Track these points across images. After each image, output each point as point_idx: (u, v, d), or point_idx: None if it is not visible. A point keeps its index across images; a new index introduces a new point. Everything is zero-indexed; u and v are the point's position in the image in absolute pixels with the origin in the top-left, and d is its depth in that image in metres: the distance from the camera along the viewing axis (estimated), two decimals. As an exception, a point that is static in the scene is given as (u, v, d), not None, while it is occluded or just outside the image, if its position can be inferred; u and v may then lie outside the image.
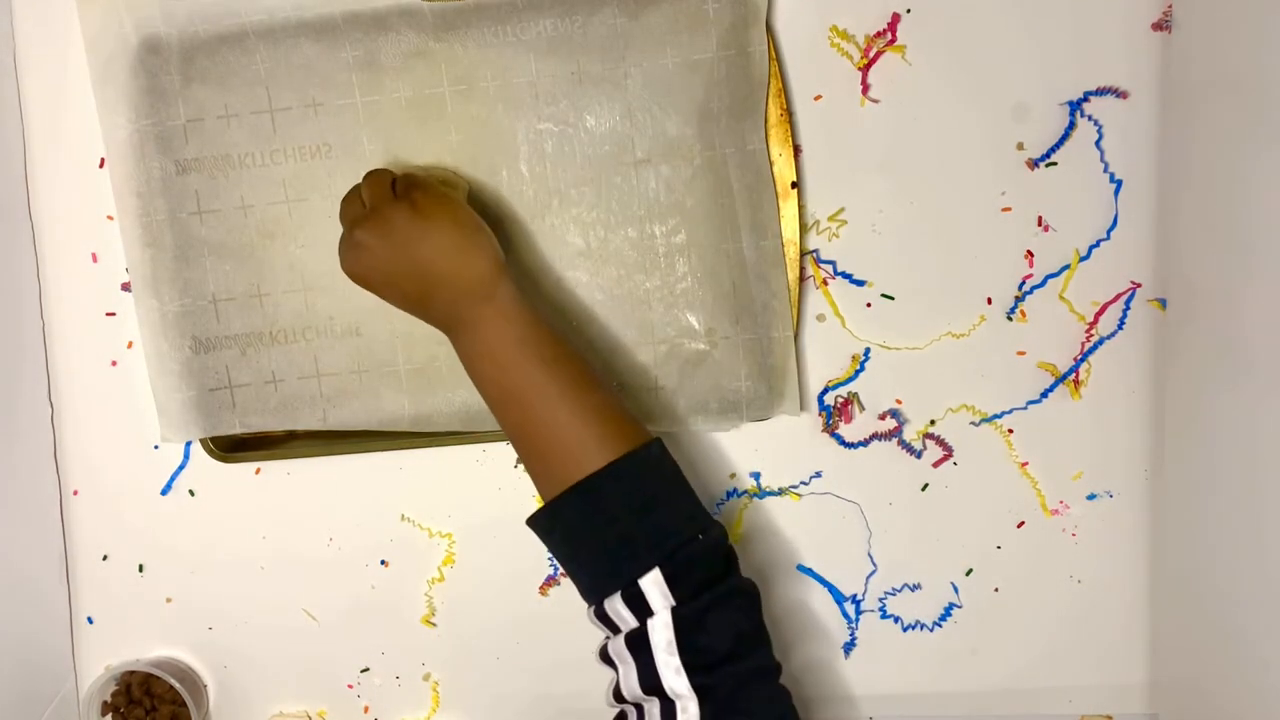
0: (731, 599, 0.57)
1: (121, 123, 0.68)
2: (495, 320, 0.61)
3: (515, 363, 0.60)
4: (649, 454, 0.60)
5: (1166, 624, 0.71)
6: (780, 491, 0.73)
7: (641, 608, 0.57)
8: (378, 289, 0.62)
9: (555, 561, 0.74)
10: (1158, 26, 0.67)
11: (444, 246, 0.61)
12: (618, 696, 0.58)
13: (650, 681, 0.56)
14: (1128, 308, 0.70)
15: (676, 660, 0.55)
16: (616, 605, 0.57)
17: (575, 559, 0.61)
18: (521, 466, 0.73)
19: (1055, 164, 0.69)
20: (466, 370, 0.62)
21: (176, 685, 0.73)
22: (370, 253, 0.61)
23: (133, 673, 0.75)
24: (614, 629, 0.58)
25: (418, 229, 0.60)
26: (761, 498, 0.73)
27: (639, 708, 0.57)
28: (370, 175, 0.64)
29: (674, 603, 0.56)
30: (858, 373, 0.71)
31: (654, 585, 0.56)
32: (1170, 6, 0.67)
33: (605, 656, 0.59)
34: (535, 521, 0.61)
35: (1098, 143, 0.68)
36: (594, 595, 0.59)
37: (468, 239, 0.62)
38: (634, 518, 0.58)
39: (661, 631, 0.56)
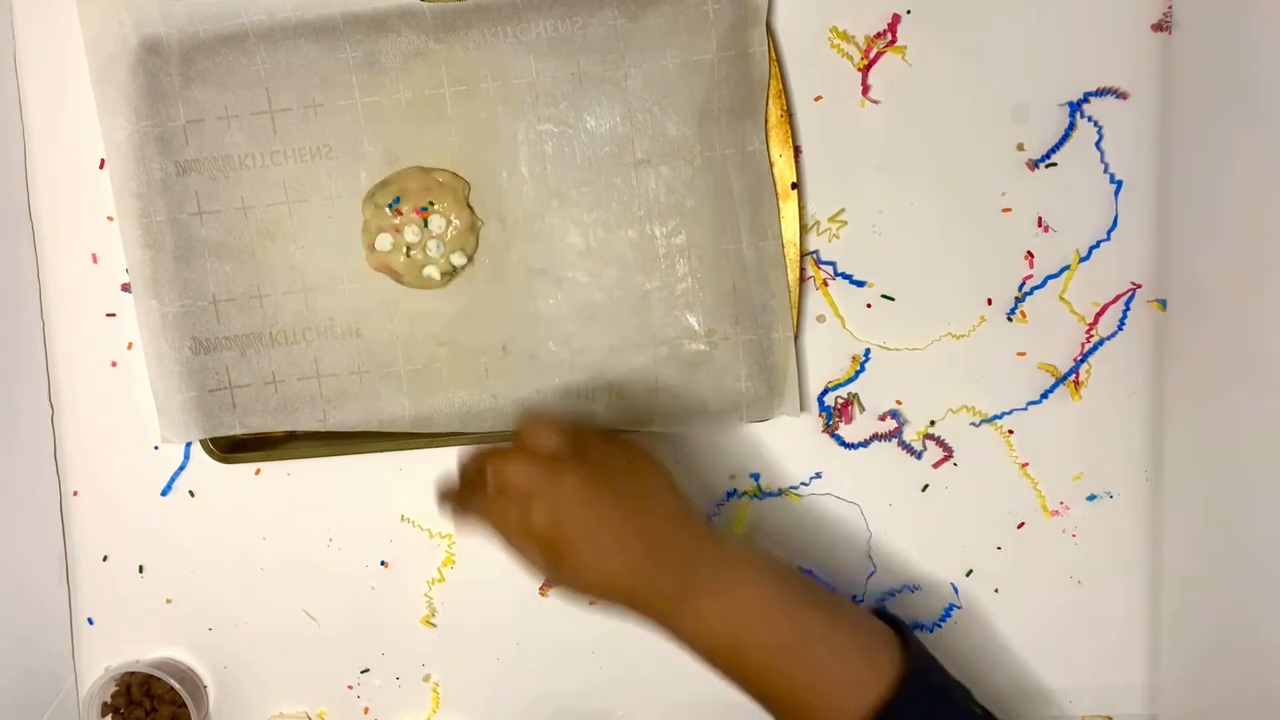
0: None
1: (121, 123, 0.68)
2: (743, 577, 0.52)
3: (776, 612, 0.53)
4: (920, 661, 0.55)
5: (1166, 624, 0.71)
6: (780, 492, 0.73)
7: None
8: (583, 551, 0.51)
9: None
10: (1158, 27, 0.67)
11: (666, 489, 0.53)
12: None
13: None
14: (1128, 308, 0.70)
15: None
16: None
17: None
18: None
19: (1055, 164, 0.69)
20: (710, 649, 0.53)
21: (176, 686, 0.73)
22: (588, 499, 0.51)
23: (133, 673, 0.75)
24: None
25: (638, 471, 0.53)
26: (761, 498, 0.73)
27: None
28: (538, 420, 0.55)
29: None
30: (858, 373, 0.71)
31: None
32: (1170, 6, 0.67)
33: None
34: None
35: (1098, 143, 0.68)
36: None
37: (678, 486, 0.53)
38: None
39: None
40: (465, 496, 0.56)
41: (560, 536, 0.52)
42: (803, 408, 0.71)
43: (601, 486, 0.51)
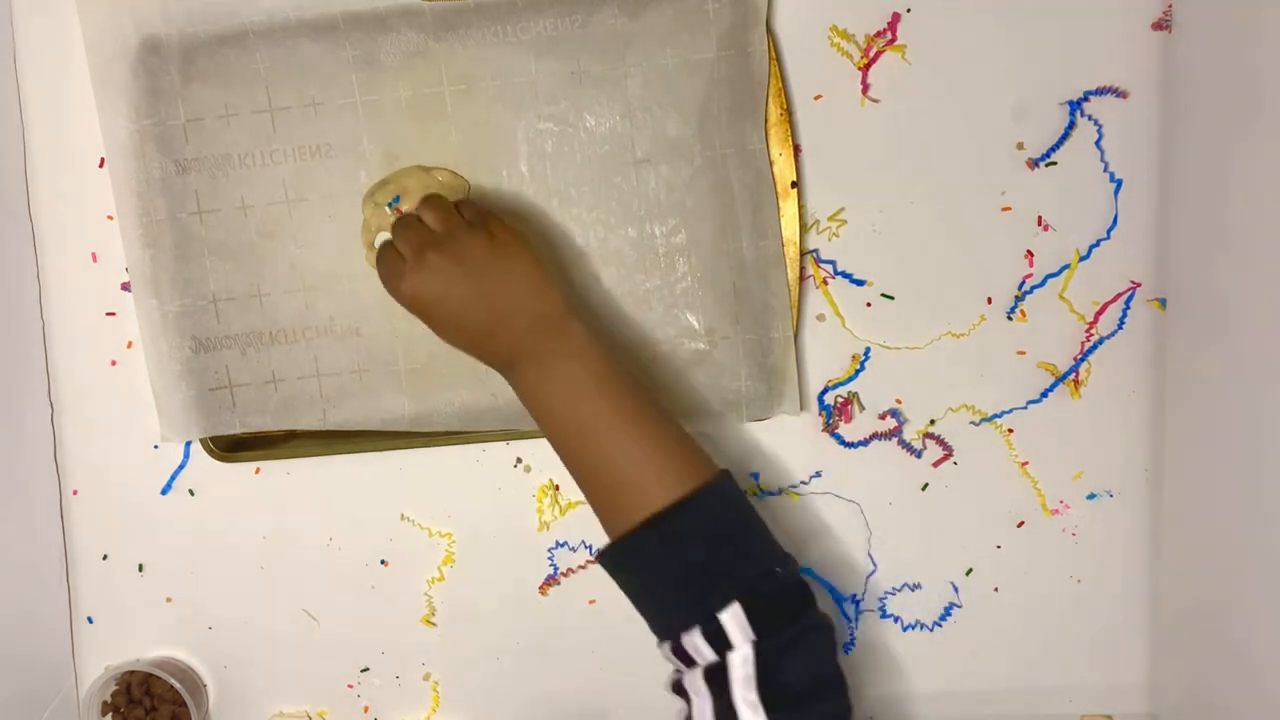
0: (810, 635, 0.57)
1: (121, 123, 0.68)
2: (568, 355, 0.60)
3: (589, 397, 0.59)
4: (723, 487, 0.59)
5: (1166, 624, 0.71)
6: (780, 491, 0.73)
7: (721, 642, 0.55)
8: (440, 314, 0.61)
9: (555, 559, 0.74)
10: (1158, 26, 0.67)
11: (520, 277, 0.61)
12: None
13: (726, 715, 0.55)
14: (1128, 308, 0.70)
15: (754, 695, 0.54)
16: (695, 640, 0.56)
17: (650, 595, 0.59)
18: (522, 466, 0.73)
19: (1055, 164, 0.69)
20: (530, 406, 0.61)
21: (176, 685, 0.73)
22: (443, 276, 0.60)
23: (133, 673, 0.75)
24: (689, 663, 0.57)
25: (495, 258, 0.60)
26: (761, 498, 0.73)
27: None
28: (432, 199, 0.63)
29: (754, 638, 0.55)
30: (858, 372, 0.71)
31: (734, 620, 0.55)
32: (1170, 6, 0.67)
33: (678, 688, 0.58)
34: (607, 558, 0.60)
35: (1098, 142, 0.68)
36: (668, 630, 0.58)
37: (543, 272, 0.61)
38: (712, 552, 0.57)
39: (740, 667, 0.55)
40: (381, 251, 0.65)
41: (420, 306, 0.61)
42: (802, 407, 0.71)
43: (455, 265, 0.60)
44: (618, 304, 0.69)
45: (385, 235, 0.68)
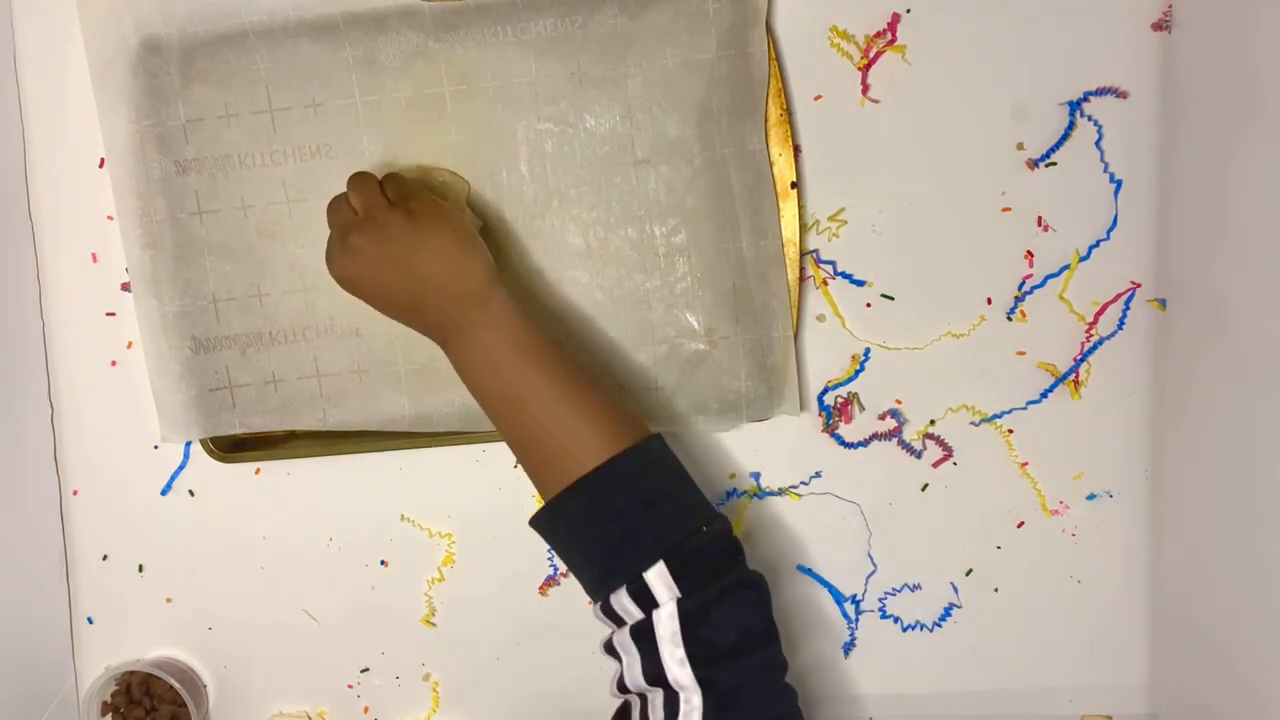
0: (738, 592, 0.57)
1: (121, 123, 0.68)
2: (490, 326, 0.61)
3: (512, 366, 0.60)
4: (649, 448, 0.60)
5: (1166, 624, 0.71)
6: (780, 491, 0.73)
7: (647, 601, 0.57)
8: (368, 294, 0.63)
9: (555, 559, 0.74)
10: (1158, 26, 0.67)
11: (439, 253, 0.61)
12: (621, 688, 0.58)
13: (654, 672, 0.56)
14: (1128, 308, 0.70)
15: (681, 652, 0.55)
16: (622, 599, 0.57)
17: (579, 556, 0.61)
18: (522, 468, 0.73)
19: (1055, 164, 0.69)
20: (461, 376, 0.62)
21: (176, 685, 0.73)
22: (364, 258, 0.61)
23: (132, 673, 0.75)
24: (619, 623, 0.58)
25: (413, 235, 0.61)
26: (761, 498, 0.73)
27: (642, 698, 0.57)
28: (357, 179, 0.64)
29: (679, 595, 0.56)
30: (858, 373, 0.71)
31: (659, 578, 0.56)
32: (1170, 6, 0.67)
33: (610, 648, 0.59)
34: (538, 521, 0.61)
35: (1098, 143, 0.68)
36: (599, 591, 0.59)
37: (462, 246, 0.62)
38: (637, 512, 0.58)
39: (666, 623, 0.56)
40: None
41: (349, 286, 0.63)
42: (802, 407, 0.71)
43: (373, 245, 0.61)
44: (618, 304, 0.69)
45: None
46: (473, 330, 0.61)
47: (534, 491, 0.73)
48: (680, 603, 0.56)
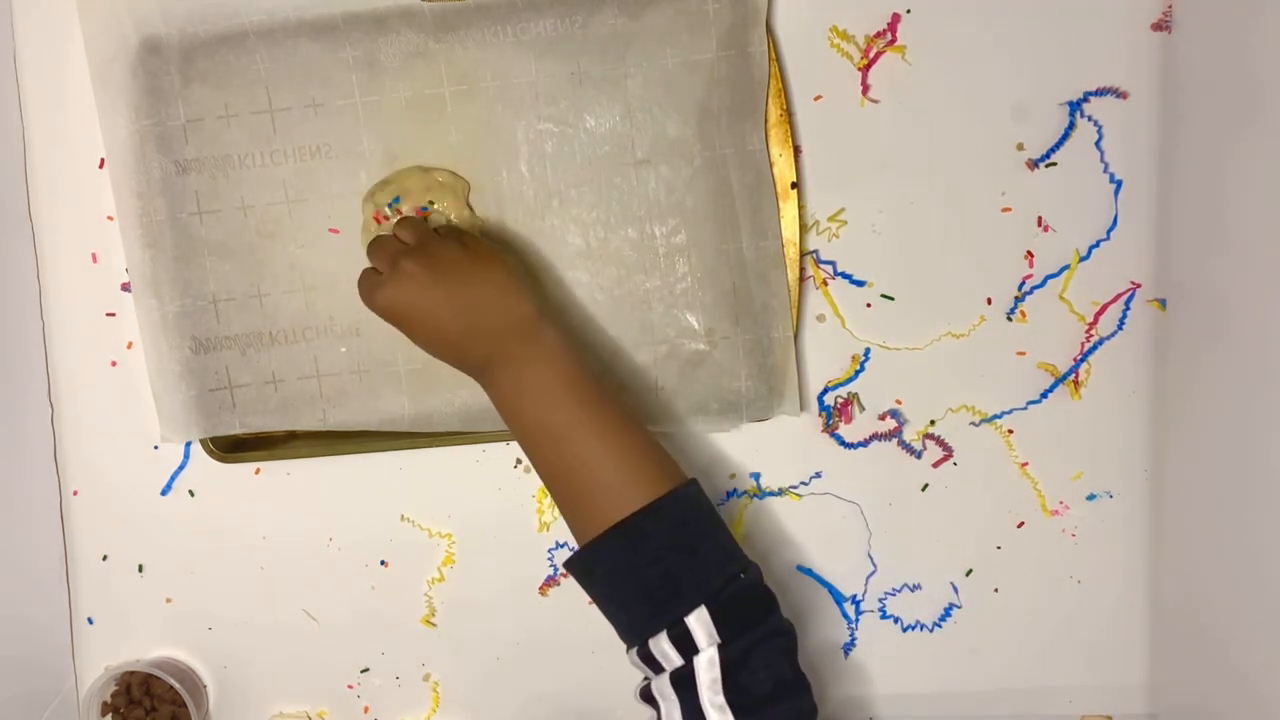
0: (774, 639, 0.57)
1: (121, 123, 0.68)
2: (539, 360, 0.61)
3: (557, 402, 0.60)
4: (689, 493, 0.60)
5: (1166, 624, 0.71)
6: (780, 491, 0.73)
7: (687, 646, 0.56)
8: (416, 321, 0.62)
9: (555, 559, 0.74)
10: (1158, 26, 0.67)
11: (492, 283, 0.62)
12: None
13: (695, 719, 0.55)
14: (1128, 308, 0.70)
15: (721, 699, 0.55)
16: (662, 644, 0.57)
17: (616, 599, 0.60)
18: (522, 467, 0.73)
19: (1055, 164, 0.69)
20: (502, 408, 0.62)
21: (176, 685, 0.73)
22: (416, 283, 0.61)
23: (132, 673, 0.75)
24: (657, 669, 0.58)
25: (467, 265, 0.62)
26: (761, 498, 0.73)
27: None
28: (406, 220, 0.65)
29: (719, 641, 0.56)
30: (858, 373, 0.71)
31: (699, 623, 0.56)
32: (1170, 6, 0.67)
33: (646, 696, 0.59)
34: (575, 563, 0.61)
35: (1098, 143, 0.68)
36: (636, 635, 0.59)
37: (514, 279, 0.62)
38: (679, 557, 0.58)
39: (707, 670, 0.55)
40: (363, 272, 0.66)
41: (396, 312, 0.63)
42: (802, 407, 0.71)
43: (428, 271, 0.61)
44: (618, 304, 0.69)
45: (385, 235, 0.68)
46: (521, 363, 0.61)
47: (533, 490, 0.73)
48: (721, 649, 0.56)
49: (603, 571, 0.60)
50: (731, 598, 0.57)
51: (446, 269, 0.61)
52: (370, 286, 0.63)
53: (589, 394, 0.60)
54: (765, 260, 0.68)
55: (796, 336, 0.70)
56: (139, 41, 0.68)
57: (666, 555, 0.58)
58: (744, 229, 0.68)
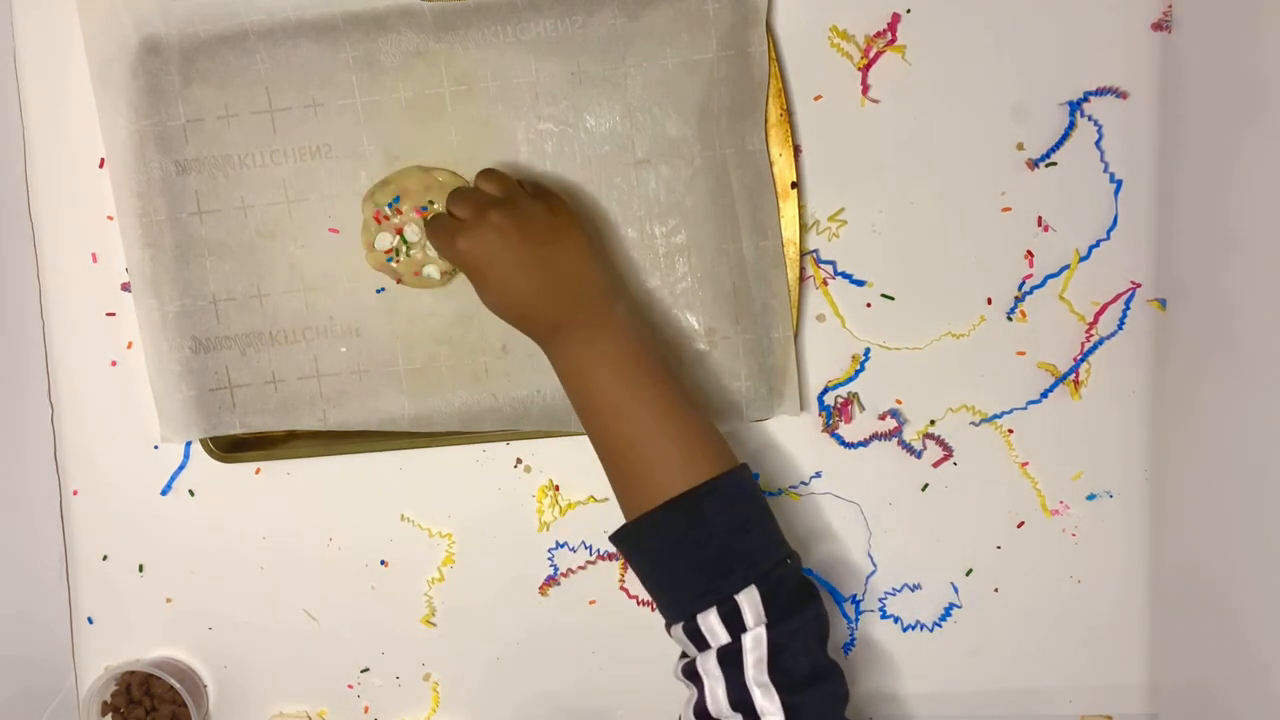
0: (815, 625, 0.58)
1: (121, 123, 0.68)
2: (610, 331, 0.61)
3: (625, 374, 0.61)
4: (743, 476, 0.61)
5: (1166, 624, 0.71)
6: (780, 491, 0.73)
7: (735, 624, 0.57)
8: (494, 273, 0.62)
9: (555, 559, 0.74)
10: (1158, 26, 0.67)
11: (574, 249, 0.62)
12: (700, 713, 0.58)
13: (740, 696, 0.56)
14: (1128, 308, 0.70)
15: (765, 677, 0.56)
16: (710, 621, 0.57)
17: (668, 572, 0.61)
18: (523, 466, 0.73)
19: (1055, 164, 0.69)
20: (565, 375, 0.62)
21: (176, 685, 0.73)
22: (504, 236, 0.61)
23: (132, 673, 0.75)
24: (702, 645, 0.58)
25: (552, 228, 0.62)
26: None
27: None
28: (490, 172, 0.65)
29: (766, 621, 0.56)
30: (858, 373, 0.71)
31: (749, 602, 0.57)
32: (1170, 6, 0.67)
33: (689, 672, 0.59)
34: (628, 534, 0.61)
35: (1098, 143, 0.68)
36: (684, 610, 0.59)
37: (594, 249, 0.63)
38: (732, 536, 0.58)
39: (753, 649, 0.56)
40: (434, 218, 0.66)
41: (475, 262, 0.62)
42: (803, 407, 0.71)
43: (516, 228, 0.61)
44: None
45: (385, 235, 0.68)
46: (591, 332, 0.61)
47: (533, 490, 0.73)
48: (769, 628, 0.56)
49: (657, 544, 0.60)
50: (780, 581, 0.58)
51: (532, 229, 0.61)
52: (449, 231, 0.63)
53: (655, 370, 0.61)
54: (765, 260, 0.68)
55: (796, 336, 0.70)
56: (139, 41, 0.68)
57: (721, 534, 0.58)
58: (744, 229, 0.68)
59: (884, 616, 0.74)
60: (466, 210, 0.63)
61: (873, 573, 0.73)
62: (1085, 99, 0.68)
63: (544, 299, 0.62)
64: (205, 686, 0.77)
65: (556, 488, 0.73)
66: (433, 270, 0.69)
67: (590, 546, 0.74)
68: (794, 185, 0.68)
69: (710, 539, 0.58)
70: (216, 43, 0.67)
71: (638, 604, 0.74)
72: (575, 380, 0.62)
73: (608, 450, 0.61)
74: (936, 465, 0.72)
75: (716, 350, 0.69)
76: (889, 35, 0.68)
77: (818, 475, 0.73)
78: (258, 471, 0.74)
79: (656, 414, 0.60)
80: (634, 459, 0.60)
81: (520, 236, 0.61)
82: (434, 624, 0.75)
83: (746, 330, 0.69)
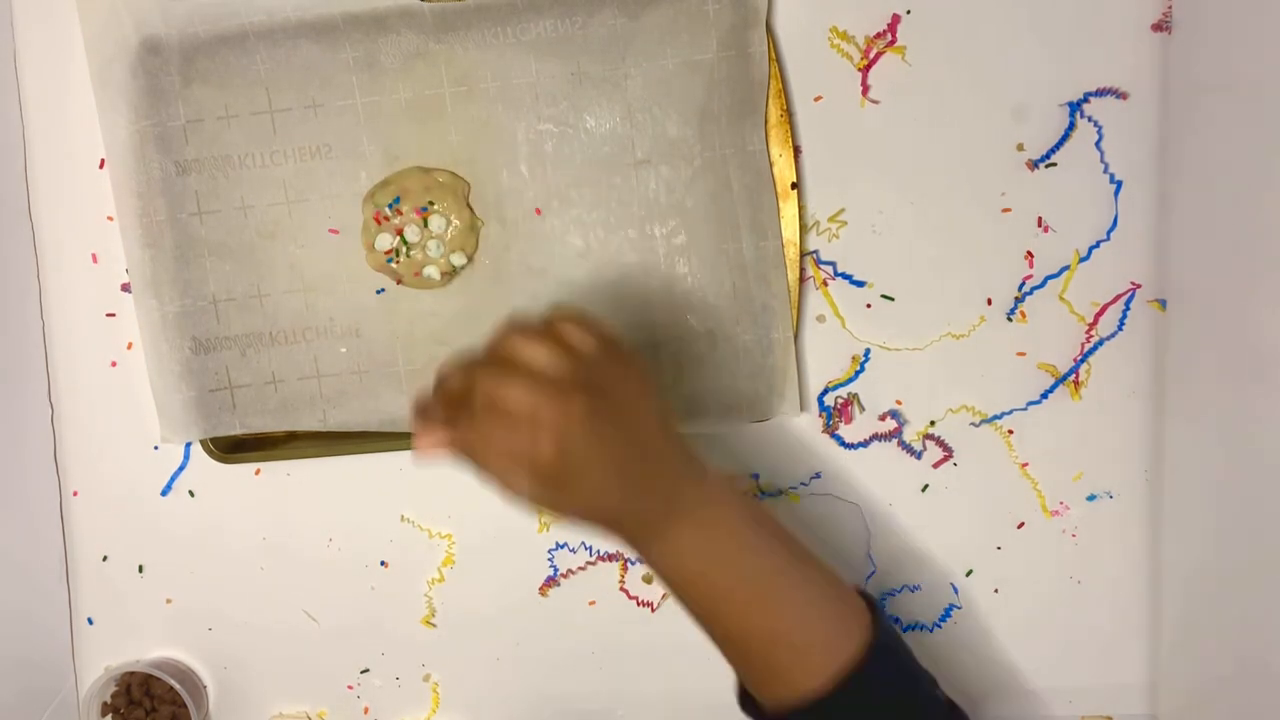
0: None
1: (121, 123, 0.68)
2: (724, 501, 0.51)
3: (750, 549, 0.52)
4: (884, 633, 0.55)
5: (1166, 624, 0.71)
6: (780, 492, 0.73)
7: None
8: (585, 484, 0.49)
9: (555, 559, 0.74)
10: (1158, 27, 0.67)
11: (659, 417, 0.50)
12: None
13: None
14: (1128, 308, 0.70)
15: None
16: None
17: None
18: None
19: (1055, 164, 0.69)
20: (685, 571, 0.51)
21: (176, 686, 0.73)
22: (597, 434, 0.47)
23: (132, 673, 0.75)
24: None
25: (642, 397, 0.50)
26: (761, 498, 0.73)
27: None
28: (529, 333, 0.50)
29: None
30: (858, 373, 0.71)
31: None
32: (1170, 6, 0.67)
33: None
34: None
35: (1098, 143, 0.68)
36: None
37: (665, 404, 0.51)
38: (908, 697, 0.55)
39: None
40: (447, 415, 0.50)
41: (565, 466, 0.47)
42: (803, 407, 0.71)
43: (608, 415, 0.48)
44: (617, 305, 0.69)
45: (386, 236, 0.68)
46: (708, 507, 0.51)
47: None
48: None
49: None
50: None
51: (622, 408, 0.48)
52: (511, 438, 0.47)
53: (773, 533, 0.53)
54: (765, 261, 0.68)
55: (796, 337, 0.70)
56: (139, 42, 0.68)
57: (897, 699, 0.55)
58: (744, 230, 0.68)
59: (884, 617, 0.74)
60: (531, 397, 0.47)
61: (873, 573, 0.73)
62: (1085, 99, 0.68)
63: (641, 496, 0.50)
64: (205, 687, 0.77)
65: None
66: (433, 271, 0.69)
67: (590, 547, 0.74)
68: (794, 186, 0.68)
69: (889, 707, 0.54)
70: (216, 43, 0.67)
71: (638, 604, 0.74)
72: (695, 583, 0.52)
73: (734, 638, 0.53)
74: (936, 466, 0.72)
75: (716, 351, 0.69)
76: (889, 36, 0.68)
77: (818, 476, 0.73)
78: (258, 472, 0.74)
79: (786, 588, 0.52)
80: (767, 643, 0.52)
81: (614, 424, 0.48)
82: (434, 624, 0.75)
83: (746, 331, 0.69)
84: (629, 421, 0.49)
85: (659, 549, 0.51)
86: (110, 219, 0.71)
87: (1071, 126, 0.68)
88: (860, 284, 0.70)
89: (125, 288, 0.72)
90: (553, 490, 0.49)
